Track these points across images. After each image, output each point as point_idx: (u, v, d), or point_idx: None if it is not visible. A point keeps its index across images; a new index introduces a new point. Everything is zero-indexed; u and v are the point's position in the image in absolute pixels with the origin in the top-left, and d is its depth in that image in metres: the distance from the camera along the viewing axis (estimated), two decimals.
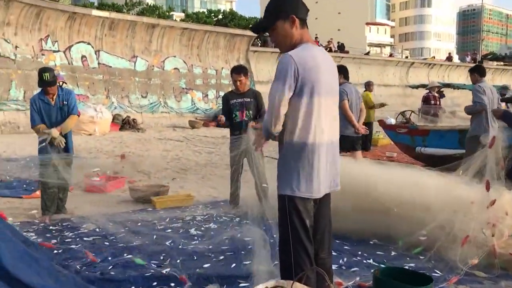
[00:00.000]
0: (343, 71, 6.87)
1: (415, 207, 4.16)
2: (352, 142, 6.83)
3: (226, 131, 6.67)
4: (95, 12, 18.06)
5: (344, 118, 6.51)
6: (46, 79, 5.27)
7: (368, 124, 11.73)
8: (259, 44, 26.85)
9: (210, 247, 4.26)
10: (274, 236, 3.96)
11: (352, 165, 5.01)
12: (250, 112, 5.84)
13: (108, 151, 11.09)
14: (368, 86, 11.99)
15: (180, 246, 4.26)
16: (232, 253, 4.06)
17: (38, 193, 5.98)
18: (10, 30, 15.14)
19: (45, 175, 5.36)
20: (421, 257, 3.87)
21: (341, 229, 4.27)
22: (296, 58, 2.43)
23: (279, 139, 2.59)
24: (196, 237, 4.60)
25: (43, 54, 16.04)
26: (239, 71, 5.88)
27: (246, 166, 5.91)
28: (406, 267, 3.54)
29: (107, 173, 8.04)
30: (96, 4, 33.34)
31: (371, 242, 4.41)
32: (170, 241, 4.41)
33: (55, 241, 4.47)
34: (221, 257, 3.99)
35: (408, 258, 3.93)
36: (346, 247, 4.27)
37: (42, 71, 5.34)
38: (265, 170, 5.49)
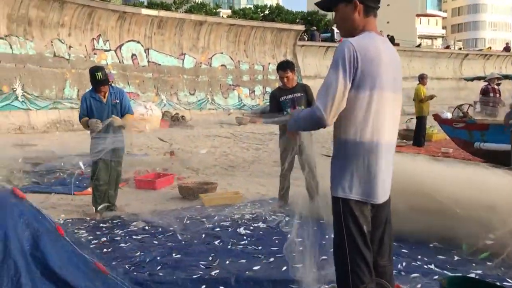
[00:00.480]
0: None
1: (479, 208, 3.85)
2: None
3: (275, 127, 6.52)
4: (145, 11, 18.37)
5: None
6: (99, 78, 5.30)
7: (420, 118, 11.28)
8: (306, 38, 26.50)
9: (260, 248, 4.12)
10: (327, 237, 3.78)
11: (407, 161, 4.74)
12: (302, 107, 5.66)
13: (158, 148, 11.20)
14: (422, 79, 11.47)
15: (229, 246, 4.15)
16: (282, 255, 3.89)
17: (89, 190, 6.05)
18: (64, 31, 15.63)
19: (97, 171, 5.42)
20: (488, 263, 3.56)
21: (396, 230, 4.02)
22: (356, 45, 2.21)
23: (333, 135, 2.39)
24: (245, 237, 4.48)
25: (95, 53, 16.47)
26: (284, 67, 5.69)
27: (296, 164, 5.75)
28: (473, 275, 3.26)
29: (156, 170, 8.10)
30: (145, 3, 34.02)
31: (431, 245, 4.13)
32: (218, 241, 4.31)
33: (105, 239, 4.47)
34: (271, 259, 3.84)
35: (473, 264, 3.63)
36: (403, 250, 4.01)
37: (95, 70, 5.37)
38: (317, 167, 5.30)
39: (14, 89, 13.85)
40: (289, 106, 5.71)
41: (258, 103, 20.33)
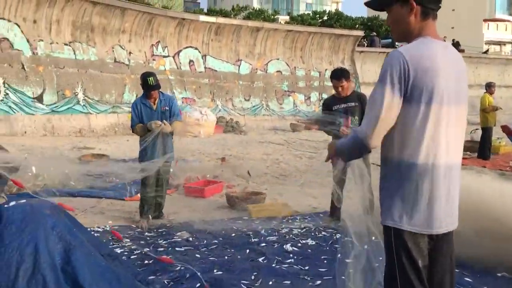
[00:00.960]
0: None
1: None
2: None
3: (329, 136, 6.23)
4: (203, 18, 18.56)
5: None
6: (151, 83, 5.27)
7: (485, 129, 10.54)
8: (366, 44, 25.83)
9: (307, 268, 3.86)
10: (380, 258, 3.46)
11: (471, 178, 4.31)
12: (356, 118, 5.35)
13: (211, 154, 11.16)
14: (489, 87, 10.73)
15: (273, 265, 3.91)
16: (330, 278, 3.61)
17: (139, 195, 6.02)
18: (125, 37, 16.05)
19: (145, 177, 5.37)
20: None
21: (460, 256, 3.63)
22: (408, 55, 1.92)
23: (381, 153, 2.11)
24: (291, 255, 4.22)
25: (154, 59, 16.79)
26: (338, 76, 5.39)
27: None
28: None
29: (207, 176, 8.00)
30: (205, 10, 34.57)
31: (499, 275, 3.69)
32: (263, 258, 4.09)
33: (148, 249, 4.37)
34: (318, 282, 3.57)
35: None
36: (467, 279, 3.61)
37: (147, 75, 5.35)
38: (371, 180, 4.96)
39: (76, 93, 14.34)
40: (341, 116, 5.42)
41: (314, 109, 19.97)
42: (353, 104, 5.38)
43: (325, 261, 4.03)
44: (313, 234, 4.94)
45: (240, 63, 18.91)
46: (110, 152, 10.43)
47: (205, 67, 18.17)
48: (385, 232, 2.07)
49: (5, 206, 2.59)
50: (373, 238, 3.72)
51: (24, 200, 2.71)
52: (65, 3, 14.11)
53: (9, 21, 13.15)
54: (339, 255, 4.16)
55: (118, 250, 4.28)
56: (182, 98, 16.90)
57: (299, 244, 4.55)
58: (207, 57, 18.24)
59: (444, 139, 1.97)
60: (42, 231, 2.55)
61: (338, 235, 4.84)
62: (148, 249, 4.39)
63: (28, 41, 13.53)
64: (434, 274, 2.04)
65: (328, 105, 5.57)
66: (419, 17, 2.01)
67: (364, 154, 2.12)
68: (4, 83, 12.74)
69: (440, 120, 1.95)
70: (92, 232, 4.90)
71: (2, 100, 12.62)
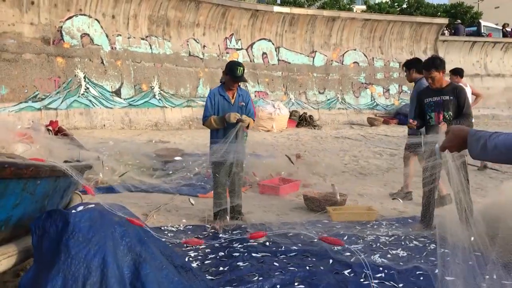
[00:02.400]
0: (415, 65, 6.03)
1: None
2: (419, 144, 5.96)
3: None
4: (277, 9, 18.19)
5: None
6: (239, 73, 4.91)
7: None
8: (449, 33, 24.21)
9: (401, 285, 3.38)
10: (487, 277, 2.94)
11: None
12: (449, 113, 4.74)
13: (284, 149, 10.79)
14: None
15: (361, 280, 3.47)
16: None
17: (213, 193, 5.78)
18: (199, 31, 16.07)
19: (216, 176, 5.10)
20: None
21: None
22: None
23: None
24: (381, 268, 3.74)
25: (227, 53, 16.69)
26: (428, 66, 4.81)
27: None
28: None
29: (281, 174, 7.65)
30: (278, 1, 34.19)
31: None
32: (349, 270, 3.65)
33: (223, 254, 4.08)
34: None
35: None
36: None
37: (237, 64, 4.99)
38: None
39: (152, 87, 14.55)
40: (433, 110, 4.84)
41: (393, 102, 18.98)
42: (447, 97, 4.80)
43: (421, 278, 3.52)
44: (403, 243, 4.42)
45: (315, 55, 18.35)
46: (184, 146, 10.40)
47: (278, 60, 17.82)
48: None
49: (73, 211, 2.36)
50: (475, 252, 3.19)
51: (92, 205, 2.48)
52: None
53: (89, 17, 13.55)
54: (437, 271, 3.65)
55: (192, 254, 4.04)
56: (255, 91, 16.68)
57: (389, 255, 4.06)
58: (280, 49, 17.88)
59: None
60: (111, 241, 2.30)
61: (432, 246, 4.31)
62: (223, 253, 4.11)
63: (107, 36, 13.88)
64: None
65: (419, 97, 5.03)
66: None
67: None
68: (84, 77, 13.15)
69: None
70: (166, 232, 4.72)
71: (83, 94, 13.04)
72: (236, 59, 16.38)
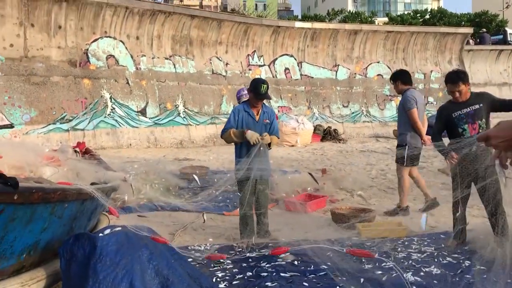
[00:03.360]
0: (400, 77, 6.35)
1: None
2: (417, 156, 6.33)
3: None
4: (298, 24, 18.24)
5: (411, 128, 6.16)
6: (263, 91, 4.91)
7: None
8: (474, 42, 23.84)
9: None
10: None
11: None
12: (483, 120, 4.64)
13: (309, 164, 10.70)
14: None
15: None
16: None
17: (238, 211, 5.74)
18: (221, 49, 16.22)
19: (242, 194, 5.06)
20: None
21: None
22: None
23: None
24: (414, 286, 3.62)
25: (250, 69, 16.77)
26: (454, 80, 4.70)
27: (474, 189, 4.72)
28: None
29: (308, 190, 7.57)
30: (299, 17, 34.33)
31: None
32: None
33: (250, 273, 4.02)
34: None
35: None
36: None
37: (261, 82, 4.97)
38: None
39: (177, 106, 14.70)
40: (465, 122, 4.71)
41: None
42: (477, 106, 4.69)
43: None
44: (436, 260, 4.27)
45: (338, 68, 18.28)
46: (209, 164, 10.41)
47: (301, 74, 17.81)
48: None
49: (100, 235, 2.35)
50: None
51: (119, 228, 2.46)
52: (165, 18, 14.56)
53: (114, 38, 13.83)
54: None
55: (219, 274, 3.99)
56: (278, 106, 16.68)
57: (422, 273, 3.92)
58: (302, 64, 17.88)
59: None
60: (138, 264, 2.28)
61: (467, 263, 4.15)
62: (250, 273, 4.04)
63: (132, 57, 14.13)
64: None
65: (446, 111, 4.89)
66: None
67: None
68: (110, 98, 13.38)
69: None
70: (192, 252, 4.69)
71: (109, 114, 13.25)
72: (258, 76, 16.50)
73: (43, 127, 12.06)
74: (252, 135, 4.83)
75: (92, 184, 3.01)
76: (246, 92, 6.53)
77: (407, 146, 6.21)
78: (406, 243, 4.84)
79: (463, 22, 31.20)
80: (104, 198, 2.81)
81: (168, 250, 2.55)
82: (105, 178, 3.80)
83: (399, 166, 6.37)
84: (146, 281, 2.26)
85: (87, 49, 13.33)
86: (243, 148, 4.99)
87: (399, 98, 6.60)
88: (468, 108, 4.73)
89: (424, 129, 6.35)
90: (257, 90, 4.89)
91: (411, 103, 6.14)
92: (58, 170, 3.04)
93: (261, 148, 4.91)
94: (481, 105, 4.66)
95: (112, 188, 3.51)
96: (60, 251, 2.39)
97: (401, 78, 6.35)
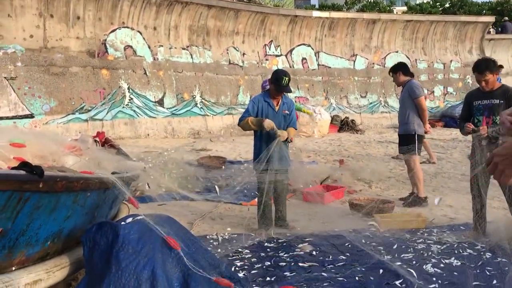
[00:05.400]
0: (401, 68, 6.45)
1: None
2: (419, 144, 6.34)
3: (457, 132, 5.43)
4: (316, 13, 18.07)
5: (419, 116, 6.21)
6: (285, 83, 4.90)
7: None
8: (495, 31, 23.33)
9: None
10: None
11: None
12: (498, 117, 4.55)
13: (326, 155, 10.66)
14: None
15: None
16: None
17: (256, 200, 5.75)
18: (238, 39, 16.16)
19: (262, 181, 5.07)
20: None
21: None
22: None
23: None
24: (434, 278, 3.59)
25: (266, 59, 16.70)
26: (481, 69, 4.62)
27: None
28: None
29: (326, 180, 7.54)
30: (316, 6, 34.00)
31: None
32: (400, 281, 3.52)
33: (269, 263, 4.03)
34: None
35: None
36: None
37: (283, 74, 4.96)
38: None
39: (194, 96, 14.72)
40: (481, 113, 4.66)
41: (438, 105, 18.44)
42: (496, 101, 4.62)
43: None
44: (456, 252, 4.24)
45: (355, 58, 18.09)
46: (226, 154, 10.44)
47: (318, 64, 17.67)
48: None
49: (122, 223, 2.38)
50: None
51: (141, 216, 2.49)
52: (182, 8, 14.55)
53: (132, 29, 13.88)
54: (494, 282, 3.47)
55: (238, 263, 4.01)
56: (295, 97, 16.59)
57: (442, 265, 3.89)
58: (320, 54, 17.73)
59: None
60: (159, 253, 2.30)
61: (488, 254, 4.11)
62: (269, 263, 4.06)
63: (149, 47, 14.16)
64: None
65: (469, 98, 4.86)
66: None
67: None
68: (128, 88, 13.46)
69: None
70: (211, 241, 4.73)
71: (127, 105, 13.34)
72: (275, 66, 16.42)
73: (63, 117, 12.19)
74: (269, 123, 4.84)
75: (113, 173, 3.04)
76: None
77: (416, 135, 6.20)
78: (425, 234, 4.80)
79: (484, 11, 30.54)
80: (125, 187, 2.84)
81: (188, 237, 2.57)
82: (125, 167, 3.83)
83: (409, 156, 6.31)
84: (168, 269, 2.28)
85: (105, 40, 13.40)
86: (263, 142, 5.00)
87: None
88: (488, 100, 4.66)
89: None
90: (279, 82, 4.89)
91: (420, 90, 6.22)
92: (80, 160, 3.07)
93: (279, 143, 4.92)
94: (502, 101, 4.57)
95: (132, 178, 3.54)
96: (83, 239, 2.42)
97: (402, 70, 6.43)
